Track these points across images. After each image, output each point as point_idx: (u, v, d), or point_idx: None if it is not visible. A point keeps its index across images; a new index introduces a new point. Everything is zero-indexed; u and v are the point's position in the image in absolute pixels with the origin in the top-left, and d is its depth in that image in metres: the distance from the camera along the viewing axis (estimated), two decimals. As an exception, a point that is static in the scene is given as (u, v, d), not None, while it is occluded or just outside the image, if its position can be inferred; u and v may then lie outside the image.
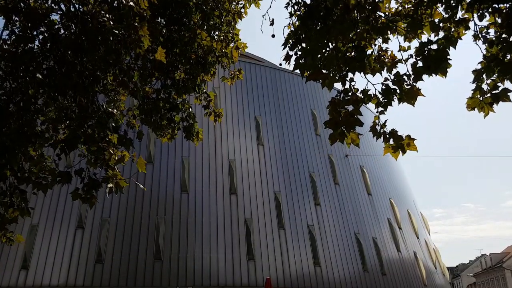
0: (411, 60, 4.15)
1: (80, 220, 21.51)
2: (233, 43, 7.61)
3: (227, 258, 21.46)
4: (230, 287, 20.80)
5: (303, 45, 4.37)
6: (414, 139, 4.20)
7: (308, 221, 24.57)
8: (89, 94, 4.84)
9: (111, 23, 4.37)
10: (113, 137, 5.03)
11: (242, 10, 7.73)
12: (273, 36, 5.51)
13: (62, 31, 4.74)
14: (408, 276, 27.83)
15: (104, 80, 5.48)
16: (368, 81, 4.28)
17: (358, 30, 4.32)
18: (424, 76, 4.07)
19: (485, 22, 4.18)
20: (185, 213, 22.33)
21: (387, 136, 4.26)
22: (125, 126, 6.77)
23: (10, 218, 5.21)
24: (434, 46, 4.02)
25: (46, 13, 4.63)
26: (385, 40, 4.50)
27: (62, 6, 4.79)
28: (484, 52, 4.22)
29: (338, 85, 4.36)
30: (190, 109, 7.43)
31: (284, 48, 4.50)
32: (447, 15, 4.38)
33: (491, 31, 4.18)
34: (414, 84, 4.14)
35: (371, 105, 4.31)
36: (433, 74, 4.03)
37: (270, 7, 5.29)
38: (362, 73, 4.26)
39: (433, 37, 4.25)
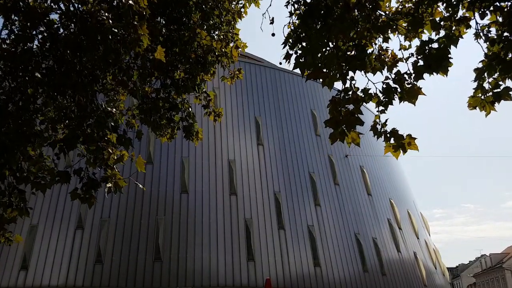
0: (412, 59, 4.14)
1: (79, 220, 21.48)
2: (233, 43, 7.59)
3: (227, 258, 21.44)
4: (230, 287, 20.77)
5: (303, 44, 4.35)
6: (415, 138, 4.18)
7: (308, 221, 24.55)
8: (88, 94, 4.82)
9: (110, 21, 4.35)
10: (112, 136, 5.01)
11: (242, 9, 7.71)
12: (273, 34, 5.49)
13: (62, 31, 4.72)
14: (408, 276, 27.81)
15: (104, 79, 5.46)
16: (369, 80, 4.26)
17: (359, 29, 4.30)
18: (425, 75, 4.05)
19: (486, 21, 4.16)
20: (184, 214, 22.30)
21: (388, 135, 4.24)
22: (124, 126, 6.76)
23: (9, 218, 5.18)
24: (435, 45, 4.00)
25: (46, 13, 4.61)
26: (386, 40, 4.49)
27: (62, 5, 4.77)
28: (486, 50, 4.20)
29: (338, 85, 4.35)
30: (190, 109, 7.41)
31: (284, 47, 4.48)
32: (448, 14, 4.37)
33: (493, 29, 4.16)
34: (415, 83, 4.13)
35: (371, 106, 4.30)
36: (434, 73, 4.02)
37: (270, 5, 5.27)
38: (362, 71, 4.24)
39: (434, 36, 4.24)
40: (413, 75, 4.10)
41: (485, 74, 4.20)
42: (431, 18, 4.39)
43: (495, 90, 4.19)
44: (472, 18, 4.28)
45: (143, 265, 20.34)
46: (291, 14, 4.72)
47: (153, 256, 20.67)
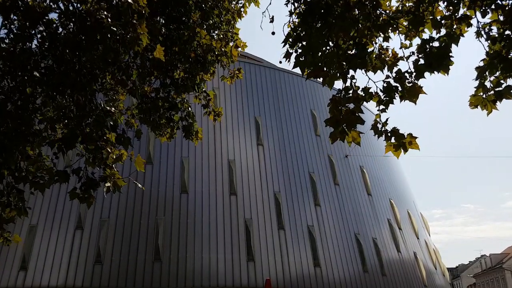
0: (413, 58, 4.12)
1: (79, 220, 21.45)
2: (232, 42, 7.57)
3: (227, 258, 21.41)
4: None
5: (304, 42, 4.33)
6: (415, 138, 4.17)
7: (308, 221, 24.53)
8: (87, 93, 4.80)
9: (109, 20, 4.33)
10: (111, 135, 4.98)
11: (242, 9, 7.70)
12: (273, 33, 5.46)
13: (61, 30, 4.70)
14: (408, 276, 27.79)
15: (103, 79, 5.44)
16: (370, 78, 4.24)
17: (359, 28, 4.27)
18: (426, 74, 4.03)
19: (487, 19, 4.14)
20: (184, 214, 22.28)
21: (389, 134, 4.22)
22: (123, 125, 6.73)
23: (7, 218, 5.16)
24: (436, 43, 3.98)
25: (45, 12, 4.59)
26: (386, 38, 4.47)
27: (61, 4, 4.75)
28: (487, 49, 4.18)
29: (338, 84, 4.32)
30: (190, 108, 7.38)
31: (284, 46, 4.46)
32: (448, 12, 4.35)
33: (494, 28, 4.14)
34: (416, 81, 4.11)
35: (371, 106, 4.28)
36: (435, 72, 4.00)
37: (270, 3, 5.25)
38: (363, 70, 4.22)
39: (434, 35, 4.22)
40: (414, 74, 4.08)
41: (487, 73, 4.18)
42: (431, 16, 4.37)
43: (497, 89, 4.17)
44: (473, 16, 4.26)
45: (143, 265, 20.31)
46: (291, 12, 4.70)
47: (152, 256, 20.64)
